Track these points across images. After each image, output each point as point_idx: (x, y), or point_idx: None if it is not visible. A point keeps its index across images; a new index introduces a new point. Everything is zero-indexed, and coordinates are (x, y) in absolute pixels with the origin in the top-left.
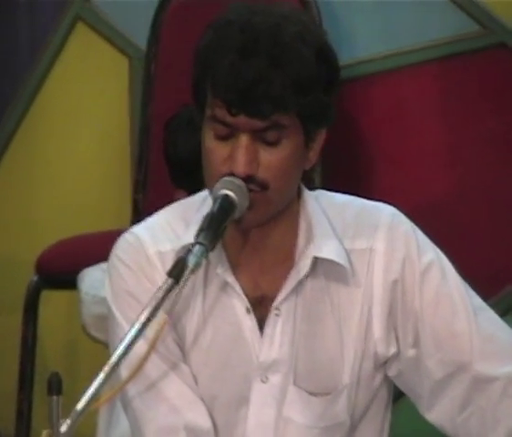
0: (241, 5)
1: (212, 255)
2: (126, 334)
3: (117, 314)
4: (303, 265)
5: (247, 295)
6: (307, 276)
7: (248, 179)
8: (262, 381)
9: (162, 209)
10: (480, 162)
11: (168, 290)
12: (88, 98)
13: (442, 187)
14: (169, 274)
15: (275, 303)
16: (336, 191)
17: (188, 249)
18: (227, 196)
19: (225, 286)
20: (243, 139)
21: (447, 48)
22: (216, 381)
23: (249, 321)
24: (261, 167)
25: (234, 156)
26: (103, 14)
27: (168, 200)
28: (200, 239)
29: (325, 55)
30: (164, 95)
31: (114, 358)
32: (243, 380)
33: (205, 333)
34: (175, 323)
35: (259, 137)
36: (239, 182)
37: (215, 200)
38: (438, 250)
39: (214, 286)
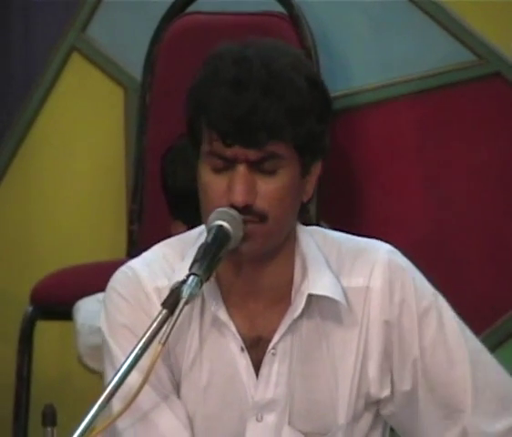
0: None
1: (207, 292)
2: (120, 365)
3: (115, 347)
4: (298, 303)
5: (242, 335)
6: (303, 315)
7: (246, 210)
8: (257, 420)
9: (159, 243)
10: (475, 192)
11: (163, 322)
12: (84, 129)
13: (437, 217)
14: (164, 305)
15: (271, 344)
16: (331, 221)
17: (182, 280)
18: (221, 226)
19: (220, 324)
20: (240, 169)
21: (443, 78)
22: (212, 421)
23: (243, 360)
24: (258, 197)
25: (232, 186)
26: (98, 44)
27: (164, 231)
28: (194, 270)
29: (317, 85)
30: (159, 125)
31: (108, 389)
32: (239, 419)
33: (201, 372)
34: (169, 356)
35: (256, 167)
36: (233, 212)
37: (209, 231)
38: (436, 292)
39: (210, 323)
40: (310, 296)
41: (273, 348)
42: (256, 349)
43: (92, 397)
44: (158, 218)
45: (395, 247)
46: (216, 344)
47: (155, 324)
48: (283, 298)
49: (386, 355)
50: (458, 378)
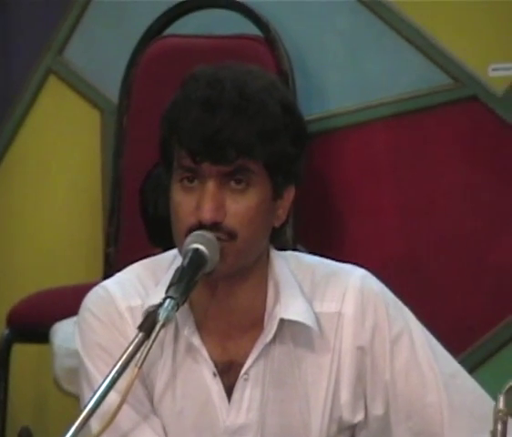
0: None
1: (180, 316)
2: (97, 387)
3: (90, 366)
4: (270, 328)
5: (214, 360)
6: (275, 340)
7: (215, 227)
8: None
9: (132, 265)
10: (453, 214)
11: (139, 345)
12: (60, 151)
13: (415, 239)
14: (140, 328)
15: (244, 369)
16: (308, 244)
17: (158, 303)
18: (197, 250)
19: (193, 350)
20: (210, 186)
21: (420, 101)
22: None
23: (215, 386)
24: (228, 216)
25: (201, 204)
26: (75, 67)
27: (140, 254)
28: (171, 293)
29: (291, 110)
30: (136, 148)
31: (86, 411)
32: None
33: (174, 397)
34: (144, 379)
35: (226, 182)
36: (209, 236)
37: (185, 254)
38: (407, 314)
39: (182, 347)
40: (282, 321)
41: (246, 373)
42: (228, 374)
43: (68, 420)
44: (135, 241)
45: (371, 269)
46: (189, 370)
47: (131, 347)
48: (256, 323)
49: (359, 380)
50: (433, 401)
